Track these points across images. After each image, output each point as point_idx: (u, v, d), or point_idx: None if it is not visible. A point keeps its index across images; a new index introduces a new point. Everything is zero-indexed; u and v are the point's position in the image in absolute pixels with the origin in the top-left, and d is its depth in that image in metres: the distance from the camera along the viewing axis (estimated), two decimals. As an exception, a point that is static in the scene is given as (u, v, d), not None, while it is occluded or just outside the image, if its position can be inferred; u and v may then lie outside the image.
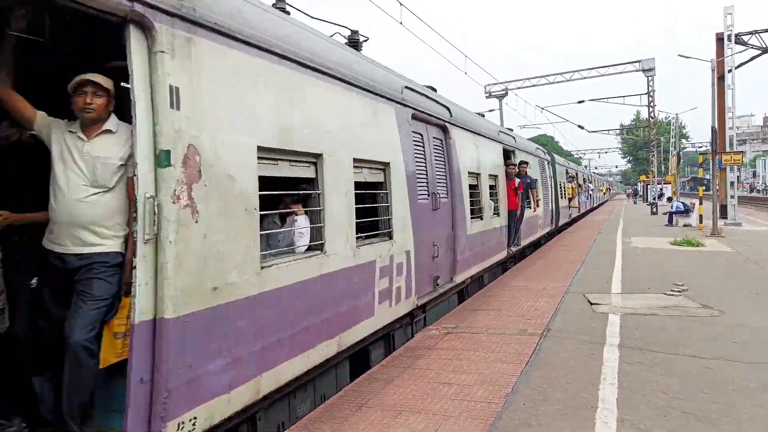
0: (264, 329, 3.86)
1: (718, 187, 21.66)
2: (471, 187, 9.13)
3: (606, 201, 61.91)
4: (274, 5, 4.87)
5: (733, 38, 24.53)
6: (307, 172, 4.52)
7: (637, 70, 38.61)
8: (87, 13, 2.90)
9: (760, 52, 26.31)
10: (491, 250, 10.36)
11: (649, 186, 43.71)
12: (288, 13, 5.00)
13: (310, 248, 4.65)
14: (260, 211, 3.84)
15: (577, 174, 29.87)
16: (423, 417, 4.33)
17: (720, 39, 25.31)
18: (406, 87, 6.82)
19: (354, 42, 6.45)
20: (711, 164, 21.40)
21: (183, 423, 3.16)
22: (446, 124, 8.19)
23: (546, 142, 64.28)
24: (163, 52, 3.09)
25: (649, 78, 39.38)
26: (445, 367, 5.57)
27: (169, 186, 3.10)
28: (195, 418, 3.24)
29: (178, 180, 3.14)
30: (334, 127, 4.87)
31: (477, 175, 9.60)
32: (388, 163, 6.01)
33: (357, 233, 5.33)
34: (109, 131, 3.46)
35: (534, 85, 40.27)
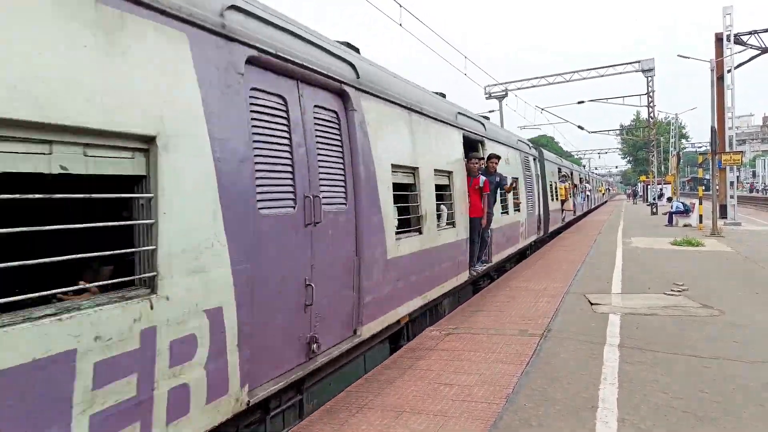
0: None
1: (717, 187, 21.68)
2: (399, 187, 6.41)
3: (605, 202, 60.82)
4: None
5: (732, 38, 24.56)
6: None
7: (636, 71, 38.65)
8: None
9: (759, 52, 26.33)
10: (441, 273, 7.60)
11: (649, 186, 43.73)
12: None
13: None
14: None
15: (572, 173, 27.42)
16: (424, 418, 4.34)
17: (719, 39, 25.33)
18: (233, 6, 3.82)
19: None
20: (711, 164, 21.42)
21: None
22: (347, 88, 5.26)
23: (546, 143, 64.36)
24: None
25: (649, 78, 39.43)
26: (445, 367, 5.58)
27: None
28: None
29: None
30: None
31: (412, 171, 6.85)
32: (153, 137, 3.10)
33: None
34: None
35: (534, 86, 40.31)
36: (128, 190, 3.14)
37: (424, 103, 7.42)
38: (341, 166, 5.16)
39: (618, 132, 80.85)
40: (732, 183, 24.76)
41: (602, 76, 38.76)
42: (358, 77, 5.51)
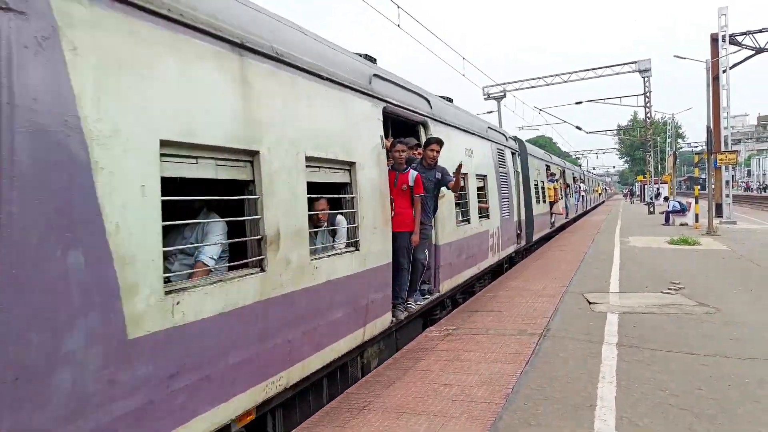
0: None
1: (713, 186, 21.78)
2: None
3: (602, 202, 59.65)
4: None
5: (727, 39, 24.69)
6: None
7: (633, 71, 38.81)
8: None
9: (753, 52, 26.47)
10: (327, 332, 4.86)
11: (646, 186, 43.84)
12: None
13: None
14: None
15: (564, 171, 25.32)
16: (424, 418, 4.38)
17: (714, 40, 25.47)
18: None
19: None
20: (706, 164, 21.53)
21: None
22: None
23: (544, 144, 64.57)
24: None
25: (645, 79, 39.58)
26: (445, 368, 5.63)
27: None
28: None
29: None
30: None
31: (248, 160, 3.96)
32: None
33: None
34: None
35: (532, 87, 40.45)
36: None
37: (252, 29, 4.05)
38: None
39: (615, 132, 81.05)
40: (727, 182, 24.87)
41: (600, 76, 38.95)
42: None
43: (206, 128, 3.47)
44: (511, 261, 13.53)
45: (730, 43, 25.07)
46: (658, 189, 38.99)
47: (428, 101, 7.86)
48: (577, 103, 40.60)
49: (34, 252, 2.45)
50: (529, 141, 21.95)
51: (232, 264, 4.01)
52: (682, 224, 22.66)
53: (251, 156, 3.91)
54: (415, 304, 7.01)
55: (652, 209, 32.06)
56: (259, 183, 3.93)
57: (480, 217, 9.85)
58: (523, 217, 14.07)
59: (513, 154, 13.68)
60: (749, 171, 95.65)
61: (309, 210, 4.58)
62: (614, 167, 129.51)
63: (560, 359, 5.70)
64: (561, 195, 21.94)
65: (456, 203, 8.61)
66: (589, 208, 39.78)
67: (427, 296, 7.51)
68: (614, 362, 5.52)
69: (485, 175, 10.43)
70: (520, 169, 14.33)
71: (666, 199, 32.69)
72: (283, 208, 4.15)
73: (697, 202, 22.03)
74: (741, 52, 26.48)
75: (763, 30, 26.03)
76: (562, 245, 17.39)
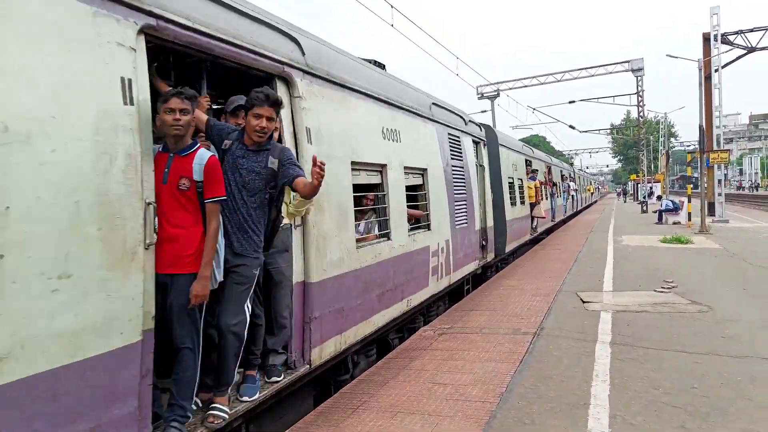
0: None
1: (706, 185, 21.89)
2: None
3: (595, 202, 57.85)
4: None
5: (719, 38, 24.81)
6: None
7: (626, 70, 38.96)
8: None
9: (745, 51, 26.62)
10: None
11: (639, 185, 44.03)
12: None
13: None
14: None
15: (550, 168, 22.78)
16: (419, 418, 4.39)
17: (707, 39, 25.58)
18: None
19: None
20: (699, 163, 21.63)
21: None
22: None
23: (538, 143, 64.59)
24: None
25: (638, 78, 39.74)
26: (440, 367, 5.63)
27: None
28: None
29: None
30: None
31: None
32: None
33: None
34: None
35: (525, 86, 40.53)
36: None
37: None
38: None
39: (608, 131, 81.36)
40: (720, 181, 25.00)
41: (593, 75, 39.07)
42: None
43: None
44: (478, 278, 10.97)
45: (722, 42, 25.19)
46: (651, 188, 39.18)
47: (296, 42, 4.81)
48: (570, 102, 40.74)
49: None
50: (522, 140, 21.66)
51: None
52: (674, 223, 22.78)
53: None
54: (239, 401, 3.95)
55: (645, 208, 32.20)
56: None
57: (414, 229, 7.17)
58: (490, 224, 11.18)
59: (477, 143, 10.87)
60: (741, 170, 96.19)
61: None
62: (607, 166, 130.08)
63: (554, 358, 5.72)
64: (545, 195, 19.60)
65: (358, 209, 5.93)
66: (579, 208, 36.47)
67: (275, 378, 4.36)
68: (608, 361, 5.54)
69: (423, 170, 7.55)
70: (487, 163, 11.43)
71: (659, 198, 32.88)
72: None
73: (689, 201, 22.14)
74: (733, 51, 26.65)
75: (755, 29, 26.19)
76: (556, 244, 17.43)
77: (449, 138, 8.98)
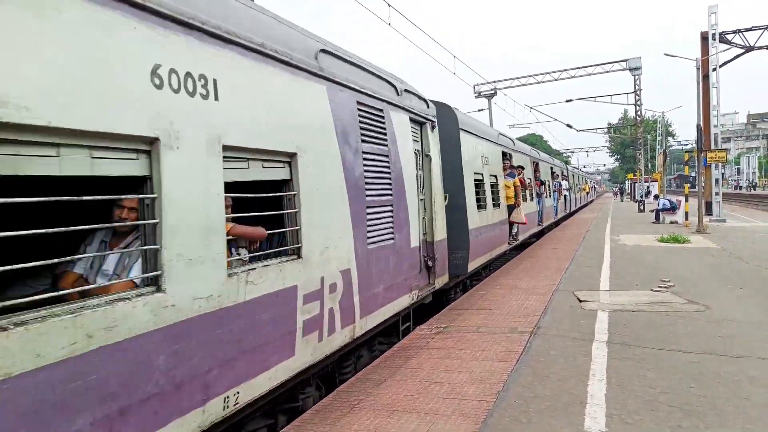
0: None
1: (703, 184, 21.92)
2: None
3: (591, 202, 55.36)
4: None
5: (717, 37, 24.83)
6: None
7: (623, 69, 38.99)
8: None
9: (743, 50, 26.64)
10: None
11: (636, 184, 44.10)
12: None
13: None
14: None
15: (537, 165, 19.21)
16: (415, 416, 4.38)
17: (704, 38, 25.60)
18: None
19: None
20: (696, 162, 21.66)
21: None
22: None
23: (535, 141, 64.67)
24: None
25: (636, 77, 39.80)
26: (436, 366, 5.63)
27: None
28: None
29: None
30: None
31: None
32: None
33: None
34: None
35: (522, 85, 40.55)
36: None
37: None
38: None
39: (606, 130, 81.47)
40: (717, 180, 25.04)
41: (590, 74, 39.09)
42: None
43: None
44: (432, 305, 8.43)
45: (720, 41, 25.21)
46: (648, 187, 39.26)
47: None
48: (567, 101, 40.77)
49: None
50: (519, 139, 21.34)
51: None
52: (672, 222, 22.81)
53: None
54: None
55: (642, 207, 32.25)
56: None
57: (255, 260, 4.35)
58: (440, 237, 8.07)
59: (422, 124, 7.83)
60: (739, 169, 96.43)
61: None
62: (605, 165, 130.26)
63: (551, 357, 5.71)
64: (530, 195, 16.48)
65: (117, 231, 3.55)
66: (573, 210, 32.99)
67: None
68: (604, 360, 5.54)
69: (289, 156, 4.57)
70: (437, 153, 8.27)
71: (656, 197, 32.94)
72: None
73: (687, 200, 22.17)
74: (731, 50, 26.66)
75: (752, 28, 26.21)
76: (553, 243, 17.44)
77: (361, 110, 5.82)
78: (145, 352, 3.01)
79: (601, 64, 39.06)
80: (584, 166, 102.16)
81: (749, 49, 26.40)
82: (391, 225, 6.35)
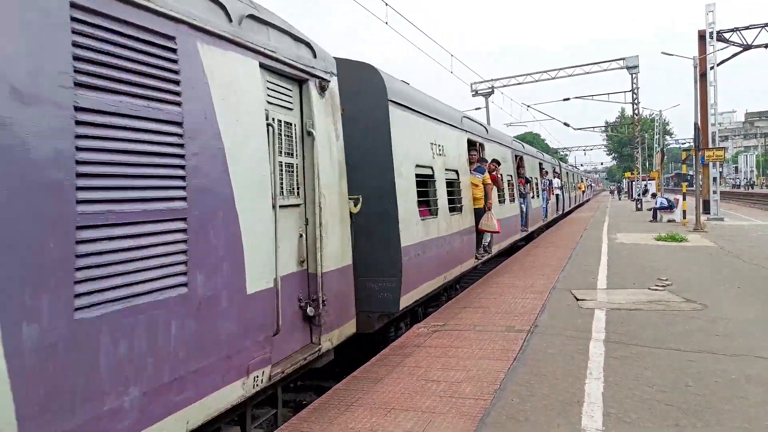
0: None
1: (701, 182, 21.96)
2: None
3: (587, 201, 53.87)
4: None
5: (714, 35, 24.85)
6: None
7: (621, 68, 39.03)
8: None
9: (741, 49, 26.67)
10: None
11: (633, 182, 44.14)
12: None
13: None
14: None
15: (521, 159, 16.55)
16: (412, 414, 4.37)
17: (702, 36, 25.62)
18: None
19: None
20: (694, 160, 21.68)
21: None
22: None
23: (532, 140, 64.71)
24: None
25: (633, 75, 39.83)
26: (433, 364, 5.62)
27: None
28: None
29: None
30: None
31: None
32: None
33: None
34: None
35: (520, 83, 40.53)
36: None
37: None
38: None
39: (603, 129, 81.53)
40: (715, 179, 25.07)
41: (587, 73, 39.10)
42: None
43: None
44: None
45: (718, 39, 25.23)
46: (645, 186, 39.30)
47: None
48: (564, 99, 40.80)
49: None
50: (517, 137, 21.08)
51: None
52: (669, 221, 22.84)
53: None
54: None
55: (639, 206, 32.29)
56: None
57: None
58: (336, 264, 5.36)
59: (301, 83, 5.07)
60: (737, 168, 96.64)
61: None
62: (602, 164, 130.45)
63: (548, 356, 5.71)
64: (509, 195, 13.86)
65: None
66: (567, 210, 30.34)
67: None
68: (601, 358, 5.53)
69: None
70: (330, 131, 5.49)
71: (654, 195, 32.97)
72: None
73: (684, 199, 22.20)
74: (729, 48, 26.68)
75: (750, 27, 26.23)
76: (551, 241, 17.44)
77: (84, 22, 2.84)
78: None
79: (597, 63, 39.08)
80: (581, 165, 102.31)
81: (747, 47, 26.42)
82: (179, 258, 3.36)
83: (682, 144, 72.23)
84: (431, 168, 8.17)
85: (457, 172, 9.54)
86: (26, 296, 2.44)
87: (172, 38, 3.41)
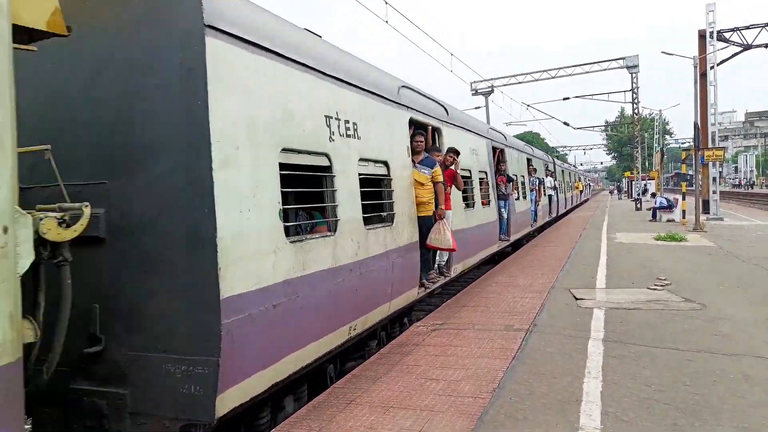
0: None
1: (701, 182, 21.96)
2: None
3: (585, 201, 52.03)
4: None
5: (715, 35, 24.85)
6: None
7: (621, 67, 39.00)
8: None
9: (741, 48, 26.66)
10: None
11: (633, 182, 44.15)
12: None
13: None
14: None
15: (501, 153, 13.85)
16: (411, 413, 4.37)
17: (702, 36, 25.61)
18: None
19: None
20: (694, 160, 21.68)
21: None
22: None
23: (532, 139, 64.66)
24: None
25: (633, 75, 39.81)
26: (432, 363, 5.62)
27: None
28: None
29: None
30: None
31: None
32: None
33: None
34: None
35: (520, 82, 40.51)
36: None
37: None
38: None
39: (603, 128, 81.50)
40: (714, 179, 25.08)
41: (587, 72, 39.06)
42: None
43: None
44: None
45: (718, 39, 25.22)
46: (645, 185, 39.30)
47: None
48: (564, 98, 40.76)
49: None
50: (517, 137, 21.10)
51: None
52: (669, 220, 22.84)
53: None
54: None
55: (639, 205, 32.30)
56: None
57: None
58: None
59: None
60: (736, 168, 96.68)
61: None
62: (602, 163, 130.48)
63: (547, 354, 5.71)
64: (480, 198, 11.18)
65: None
66: (561, 213, 27.86)
67: None
68: (600, 358, 5.54)
69: None
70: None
71: (653, 195, 32.97)
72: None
73: (684, 199, 22.20)
74: (729, 48, 26.68)
75: (750, 26, 26.23)
76: (550, 240, 17.45)
77: None
78: None
79: (597, 62, 39.04)
80: (581, 164, 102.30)
81: (747, 47, 26.42)
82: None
83: (682, 143, 72.18)
84: (326, 156, 5.27)
85: (386, 164, 6.62)
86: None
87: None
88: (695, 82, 21.68)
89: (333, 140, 5.39)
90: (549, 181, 22.81)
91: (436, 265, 8.53)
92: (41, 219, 2.82)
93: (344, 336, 5.49)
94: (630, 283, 9.49)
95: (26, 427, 4.14)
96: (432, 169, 7.64)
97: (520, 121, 53.17)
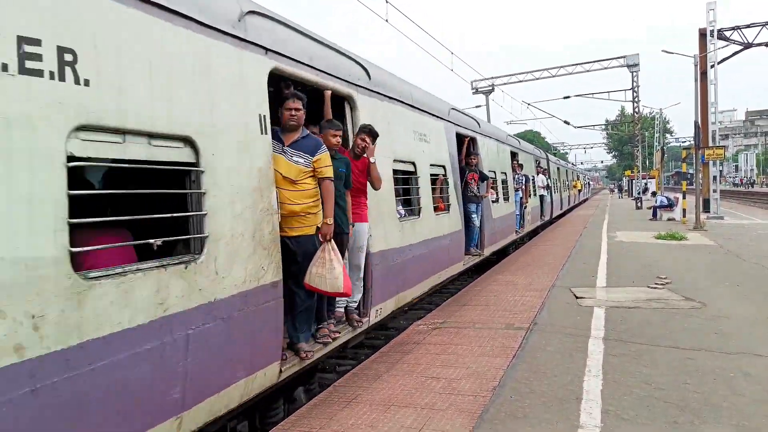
0: None
1: (701, 181, 21.96)
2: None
3: (585, 200, 50.44)
4: None
5: (715, 34, 24.83)
6: None
7: (621, 66, 39.02)
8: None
9: (741, 47, 26.64)
10: None
11: (633, 181, 44.14)
12: None
13: None
14: None
15: (472, 142, 11.01)
16: (411, 411, 4.39)
17: (703, 34, 25.59)
18: None
19: None
20: (694, 159, 21.67)
21: None
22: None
23: (532, 138, 64.72)
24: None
25: (634, 73, 39.81)
26: (433, 361, 5.64)
27: None
28: None
29: None
30: None
31: None
32: None
33: None
34: None
35: (520, 81, 40.53)
36: None
37: None
38: None
39: (603, 127, 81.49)
40: (715, 177, 25.06)
41: (588, 71, 39.09)
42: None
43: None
44: None
45: (718, 38, 25.19)
46: (645, 184, 39.28)
47: None
48: (565, 97, 40.76)
49: None
50: (517, 135, 20.96)
51: None
52: (669, 219, 22.83)
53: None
54: None
55: (639, 204, 32.29)
56: None
57: None
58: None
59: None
60: (737, 166, 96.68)
61: None
62: (602, 162, 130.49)
63: (547, 353, 5.72)
64: (442, 201, 9.20)
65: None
66: (557, 214, 25.62)
67: None
68: (600, 356, 5.55)
69: None
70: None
71: (654, 194, 32.95)
72: None
73: (684, 198, 22.20)
74: (729, 47, 26.65)
75: (751, 25, 26.20)
76: (551, 239, 17.46)
77: None
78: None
79: (598, 61, 39.08)
80: (581, 163, 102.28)
81: (747, 45, 26.39)
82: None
83: (683, 142, 72.22)
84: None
85: (194, 145, 3.59)
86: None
87: None
88: (696, 80, 21.69)
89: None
90: (541, 180, 20.51)
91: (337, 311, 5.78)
92: None
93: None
94: (630, 281, 9.50)
95: None
96: (315, 155, 4.77)
97: (521, 120, 53.25)
